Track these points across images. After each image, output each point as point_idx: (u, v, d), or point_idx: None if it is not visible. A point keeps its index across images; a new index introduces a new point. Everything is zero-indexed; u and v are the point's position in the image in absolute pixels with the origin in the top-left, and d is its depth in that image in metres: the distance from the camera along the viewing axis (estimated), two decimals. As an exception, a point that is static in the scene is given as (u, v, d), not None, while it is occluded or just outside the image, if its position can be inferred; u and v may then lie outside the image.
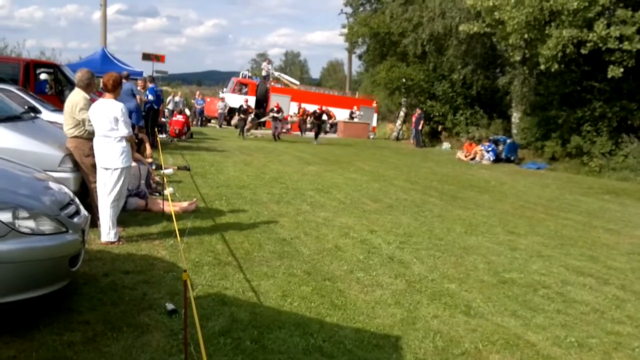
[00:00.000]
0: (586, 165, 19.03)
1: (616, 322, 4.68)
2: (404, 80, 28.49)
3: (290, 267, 5.42)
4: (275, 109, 23.18)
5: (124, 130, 5.54)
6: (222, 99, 29.62)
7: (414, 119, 26.92)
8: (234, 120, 24.19)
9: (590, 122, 19.61)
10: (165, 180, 8.11)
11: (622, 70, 17.06)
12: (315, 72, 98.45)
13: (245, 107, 23.42)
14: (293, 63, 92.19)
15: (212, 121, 30.41)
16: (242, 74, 33.83)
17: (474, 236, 7.59)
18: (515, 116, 23.96)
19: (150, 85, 13.98)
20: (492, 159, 21.23)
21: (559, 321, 4.60)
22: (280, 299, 4.55)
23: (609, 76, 17.41)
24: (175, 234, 5.92)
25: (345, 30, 33.41)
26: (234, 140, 20.33)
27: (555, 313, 4.79)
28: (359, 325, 4.17)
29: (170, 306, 4.10)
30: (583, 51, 17.51)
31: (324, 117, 27.70)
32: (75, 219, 3.97)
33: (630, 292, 5.55)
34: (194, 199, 7.80)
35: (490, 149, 21.55)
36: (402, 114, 31.03)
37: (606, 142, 18.92)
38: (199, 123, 28.58)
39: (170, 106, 23.32)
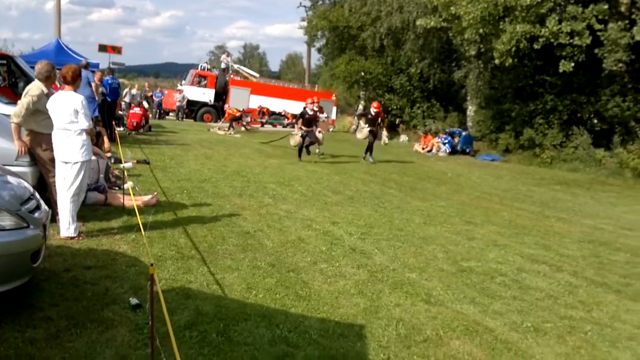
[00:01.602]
0: (538, 156, 19.63)
1: (569, 307, 4.89)
2: (362, 73, 28.69)
3: (254, 259, 5.46)
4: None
5: (84, 123, 5.45)
6: (181, 92, 29.19)
7: (316, 109, 27.11)
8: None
9: (542, 115, 20.20)
10: (125, 174, 7.99)
11: (572, 64, 17.62)
12: (274, 65, 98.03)
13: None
14: (252, 56, 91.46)
15: (171, 114, 29.97)
16: (201, 66, 33.36)
17: (432, 226, 7.78)
18: (471, 109, 24.50)
19: (107, 77, 13.69)
20: (448, 151, 21.68)
21: (515, 307, 4.78)
22: (245, 291, 4.59)
23: (561, 70, 17.96)
24: (137, 228, 5.88)
25: (305, 24, 33.42)
26: (194, 134, 20.09)
27: (512, 299, 4.97)
28: (323, 315, 4.24)
29: (134, 301, 4.08)
30: (536, 46, 18.00)
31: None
32: (36, 214, 3.91)
33: (582, 278, 5.80)
34: (155, 193, 7.72)
35: (446, 141, 22.00)
36: (360, 107, 31.25)
37: (557, 134, 19.55)
38: (157, 116, 28.13)
39: (127, 99, 22.87)
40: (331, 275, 5.20)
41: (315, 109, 15.43)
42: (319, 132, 14.94)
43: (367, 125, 15.81)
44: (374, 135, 15.96)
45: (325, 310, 4.34)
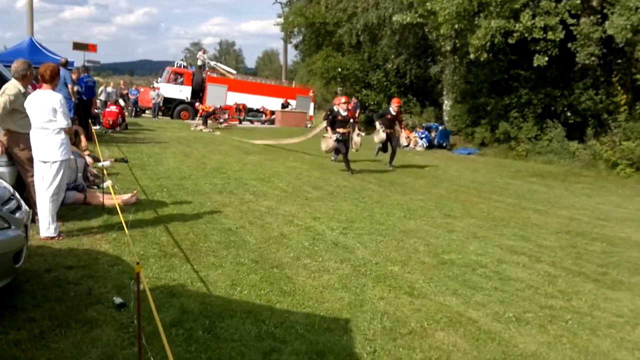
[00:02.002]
0: (514, 149, 19.90)
1: (549, 297, 4.98)
2: (339, 69, 28.76)
3: (237, 256, 5.45)
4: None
5: (62, 121, 5.38)
6: (157, 89, 28.93)
7: (350, 108, 27.21)
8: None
9: (517, 109, 20.47)
10: (105, 172, 7.91)
11: (546, 59, 17.86)
12: (250, 62, 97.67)
13: None
14: (228, 52, 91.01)
15: (147, 112, 29.69)
16: (177, 63, 33.11)
17: (412, 220, 7.85)
18: (447, 104, 24.71)
19: (82, 75, 13.51)
20: (425, 145, 21.87)
21: (497, 298, 4.85)
22: (229, 288, 4.59)
23: (535, 65, 18.20)
24: (117, 227, 5.85)
25: (281, 20, 33.34)
26: (171, 131, 19.94)
27: (493, 290, 5.05)
28: (308, 310, 4.26)
29: (118, 300, 4.06)
30: (510, 41, 18.20)
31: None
32: (17, 214, 3.86)
33: (560, 268, 5.91)
34: (135, 191, 7.65)
35: (423, 135, 22.18)
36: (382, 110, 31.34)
37: (532, 127, 19.83)
38: (133, 114, 27.85)
39: (102, 97, 22.58)
40: (315, 270, 5.22)
41: (349, 108, 13.47)
42: (358, 134, 13.27)
43: (383, 127, 13.68)
44: (391, 138, 13.86)
45: (311, 305, 4.36)
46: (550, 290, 5.19)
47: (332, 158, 14.14)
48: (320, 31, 30.52)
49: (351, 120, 13.09)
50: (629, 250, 6.91)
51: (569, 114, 19.90)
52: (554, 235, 7.54)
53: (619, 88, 18.88)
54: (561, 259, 6.28)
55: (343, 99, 12.98)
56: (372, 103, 28.55)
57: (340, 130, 12.33)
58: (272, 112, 30.35)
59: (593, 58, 17.93)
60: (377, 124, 13.95)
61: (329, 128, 12.48)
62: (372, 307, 4.42)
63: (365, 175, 12.18)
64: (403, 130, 14.97)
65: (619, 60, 19.82)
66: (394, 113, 13.91)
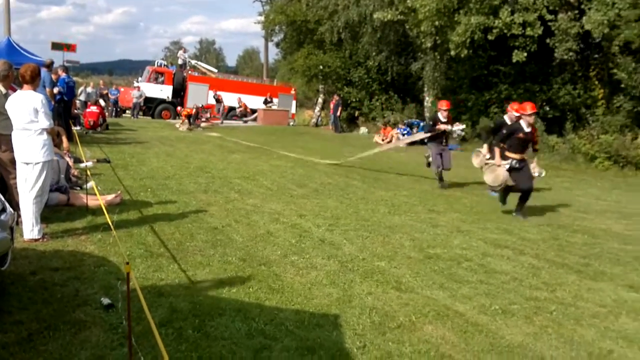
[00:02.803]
0: (495, 144, 20.07)
1: (534, 289, 5.06)
2: (321, 67, 28.74)
3: (224, 254, 5.45)
4: None
5: (44, 122, 5.32)
6: (138, 88, 28.66)
7: (332, 105, 27.32)
8: None
9: (497, 104, 20.69)
10: (88, 173, 7.84)
11: (525, 54, 18.10)
12: (231, 60, 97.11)
13: None
14: (208, 51, 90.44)
15: (128, 111, 29.44)
16: (158, 62, 32.84)
17: (397, 215, 7.91)
18: (428, 100, 24.84)
19: (62, 75, 13.35)
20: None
21: (482, 291, 4.92)
22: (217, 286, 4.59)
23: (514, 60, 18.42)
24: (102, 227, 5.81)
25: (262, 18, 33.20)
26: (153, 131, 19.79)
27: (479, 283, 5.11)
28: (297, 306, 4.28)
29: (106, 301, 4.04)
30: (490, 37, 18.39)
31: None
32: (2, 217, 3.82)
33: (543, 261, 6.00)
34: (119, 192, 7.60)
35: (405, 132, 22.31)
36: (320, 100, 31.32)
37: (512, 122, 20.02)
38: (114, 114, 27.60)
39: (82, 97, 22.33)
40: (302, 267, 5.24)
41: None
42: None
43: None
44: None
45: (299, 301, 4.38)
46: (534, 282, 5.27)
47: (491, 192, 9.51)
48: (301, 29, 30.44)
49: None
50: (610, 242, 7.05)
51: (547, 108, 20.17)
52: (536, 228, 7.65)
53: (596, 82, 19.19)
54: (544, 251, 6.38)
55: (444, 104, 11.04)
56: (354, 100, 28.63)
57: (513, 155, 8.26)
58: (254, 111, 30.25)
59: (571, 53, 18.20)
60: (492, 150, 8.90)
61: (484, 151, 9.55)
62: (360, 303, 4.45)
63: (349, 172, 12.22)
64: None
65: (596, 55, 20.15)
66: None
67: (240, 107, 29.49)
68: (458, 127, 10.94)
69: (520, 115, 8.66)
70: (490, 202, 9.49)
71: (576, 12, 18.04)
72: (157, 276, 4.73)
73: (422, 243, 6.42)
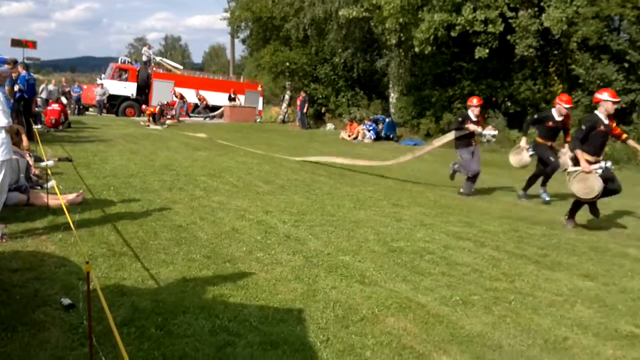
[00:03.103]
0: (458, 140, 20.41)
1: (493, 280, 5.17)
2: (287, 64, 28.74)
3: (189, 252, 5.43)
4: None
5: (2, 120, 5.20)
6: (101, 86, 28.17)
7: (298, 102, 27.36)
8: None
9: (460, 100, 21.03)
10: (49, 172, 7.69)
11: (487, 51, 18.45)
12: (197, 57, 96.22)
13: None
14: (174, 48, 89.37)
15: (91, 109, 28.91)
16: (121, 59, 32.31)
17: (362, 210, 7.99)
18: (393, 96, 25.12)
19: (23, 72, 13.04)
20: (373, 137, 22.21)
21: (444, 282, 5.01)
22: (181, 284, 4.57)
23: (476, 57, 18.77)
24: (63, 227, 5.72)
25: (227, 15, 32.98)
26: (117, 129, 19.48)
27: (441, 275, 5.21)
28: (262, 302, 4.30)
29: (66, 301, 3.98)
30: (453, 34, 18.69)
31: None
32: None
33: (503, 252, 6.14)
34: (80, 191, 7.48)
35: (371, 128, 22.51)
36: (287, 97, 31.33)
37: (475, 118, 20.40)
38: (76, 112, 27.06)
39: (43, 95, 21.82)
40: (268, 263, 5.26)
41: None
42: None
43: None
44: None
45: (264, 297, 4.40)
46: (494, 273, 5.39)
47: (524, 197, 9.66)
48: (267, 26, 30.39)
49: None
50: (567, 233, 7.27)
51: (509, 103, 20.63)
52: (497, 220, 7.82)
53: (555, 78, 19.69)
54: (504, 243, 6.54)
55: (475, 100, 10.03)
56: (320, 97, 28.73)
57: (590, 157, 7.21)
58: (215, 107, 30.05)
59: (531, 50, 18.62)
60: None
61: (523, 144, 9.58)
62: (324, 297, 4.49)
63: (315, 168, 12.27)
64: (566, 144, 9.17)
65: (555, 52, 20.69)
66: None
67: (200, 101, 29.13)
68: (490, 132, 9.89)
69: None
70: (454, 196, 9.66)
71: (536, 9, 18.47)
72: (120, 275, 4.68)
73: (386, 237, 6.50)
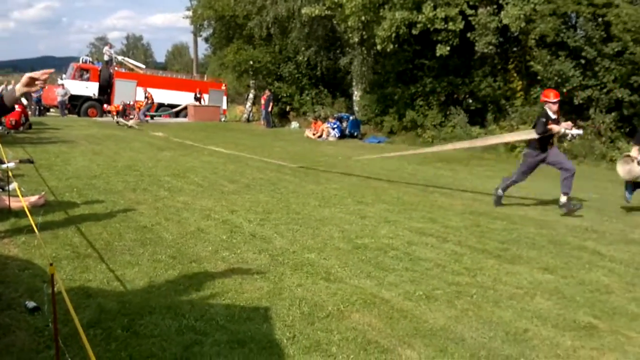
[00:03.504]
0: (420, 137, 20.76)
1: (456, 274, 5.30)
2: (251, 62, 28.67)
3: (154, 253, 5.42)
4: None
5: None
6: (62, 86, 27.56)
7: (263, 101, 27.33)
8: None
9: (422, 97, 21.35)
10: (10, 174, 7.54)
11: (448, 48, 18.73)
12: (159, 56, 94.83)
13: None
14: (136, 47, 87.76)
15: (52, 110, 28.29)
16: (82, 59, 31.66)
17: (327, 208, 8.08)
18: (356, 94, 25.31)
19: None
20: (337, 135, 22.38)
21: (407, 278, 5.12)
22: (147, 285, 4.57)
23: (438, 54, 19.04)
24: (26, 230, 5.64)
25: (190, 13, 32.63)
26: (79, 129, 19.12)
27: (404, 271, 5.32)
28: (228, 301, 4.34)
29: (31, 304, 3.95)
30: (414, 32, 18.92)
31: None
32: None
33: (465, 247, 6.30)
34: (43, 193, 7.36)
35: (335, 126, 22.68)
36: (251, 96, 31.24)
37: (437, 114, 20.78)
38: (37, 113, 26.45)
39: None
40: (234, 263, 5.30)
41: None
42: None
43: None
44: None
45: (230, 296, 4.44)
46: (456, 267, 5.53)
47: (627, 197, 8.91)
48: (230, 24, 30.18)
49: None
50: (527, 227, 7.47)
51: (470, 100, 21.01)
52: (459, 216, 8.01)
53: (515, 75, 20.15)
54: (466, 238, 6.70)
55: (552, 95, 8.48)
56: (284, 95, 28.75)
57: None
58: (173, 106, 29.78)
59: (491, 47, 19.01)
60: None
61: (634, 154, 8.41)
62: (290, 295, 4.55)
63: (280, 167, 12.31)
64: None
65: (515, 49, 21.14)
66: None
67: (147, 99, 28.62)
68: (576, 131, 8.78)
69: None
70: (417, 193, 9.84)
71: (495, 6, 18.86)
72: (85, 277, 4.65)
73: (351, 234, 6.60)
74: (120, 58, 34.41)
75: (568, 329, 4.13)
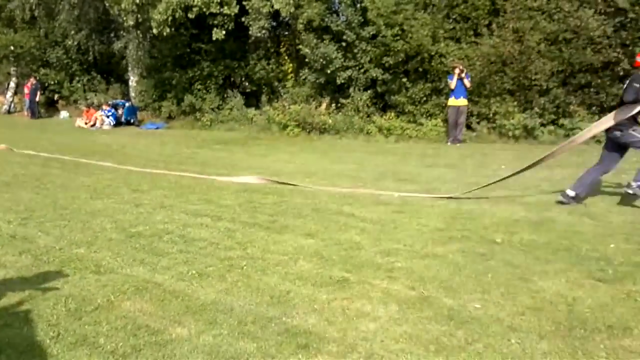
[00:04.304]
0: (199, 120, 20.78)
1: (228, 249, 5.52)
2: (12, 48, 25.79)
3: None
4: None
5: None
6: None
7: (27, 90, 24.89)
8: None
9: (200, 81, 21.30)
10: None
11: (224, 32, 18.90)
12: None
13: None
14: None
15: None
16: None
17: (99, 200, 7.76)
18: (133, 80, 24.31)
19: None
20: (112, 123, 21.46)
21: (181, 259, 5.21)
22: None
23: (214, 38, 19.11)
24: None
25: None
26: None
27: (179, 253, 5.39)
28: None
29: None
30: (190, 15, 18.70)
31: None
32: None
33: (239, 223, 6.56)
34: None
35: (110, 113, 21.67)
36: (12, 84, 28.10)
37: (214, 98, 20.96)
38: None
39: None
40: (-11, 268, 4.86)
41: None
42: None
43: None
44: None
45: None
46: (229, 243, 5.76)
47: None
48: (-13, 6, 26.63)
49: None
50: (295, 198, 8.01)
51: (246, 83, 21.58)
52: (234, 194, 8.27)
53: (286, 58, 21.14)
54: (239, 215, 6.99)
55: None
56: (52, 83, 26.43)
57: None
58: None
59: (264, 31, 19.61)
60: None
61: None
62: (55, 293, 4.34)
63: (47, 160, 11.39)
64: None
65: (286, 33, 22.11)
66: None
67: None
68: None
69: None
70: (194, 176, 9.90)
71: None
72: None
73: (125, 223, 6.46)
74: None
75: (324, 285, 4.60)
